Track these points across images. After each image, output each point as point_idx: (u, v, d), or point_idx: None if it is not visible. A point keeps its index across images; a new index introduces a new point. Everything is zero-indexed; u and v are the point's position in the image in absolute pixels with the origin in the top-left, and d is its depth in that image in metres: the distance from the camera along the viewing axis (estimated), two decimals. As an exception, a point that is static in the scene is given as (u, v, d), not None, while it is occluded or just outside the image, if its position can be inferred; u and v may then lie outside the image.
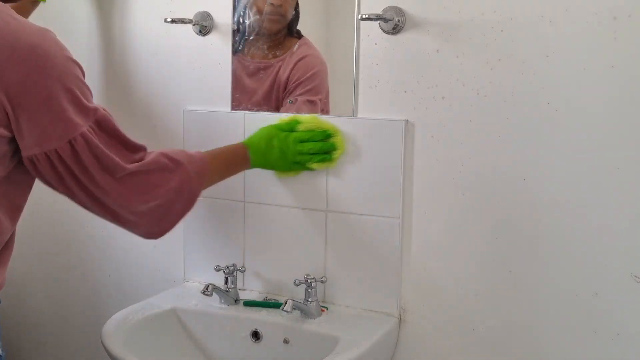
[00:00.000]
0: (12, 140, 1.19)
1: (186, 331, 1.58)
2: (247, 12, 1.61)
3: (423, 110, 1.43)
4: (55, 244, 1.96)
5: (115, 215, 1.28)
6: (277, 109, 1.61)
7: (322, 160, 1.51)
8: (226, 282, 1.59)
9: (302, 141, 1.49)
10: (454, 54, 1.38)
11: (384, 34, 1.44)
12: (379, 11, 1.42)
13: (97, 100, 1.27)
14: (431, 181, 1.44)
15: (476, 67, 1.36)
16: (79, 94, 1.20)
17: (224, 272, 1.59)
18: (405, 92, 1.44)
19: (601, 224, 1.30)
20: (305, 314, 1.49)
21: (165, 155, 1.31)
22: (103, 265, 1.91)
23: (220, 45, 1.64)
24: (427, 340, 1.48)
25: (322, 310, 1.52)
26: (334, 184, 1.53)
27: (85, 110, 1.21)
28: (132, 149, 1.28)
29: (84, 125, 1.20)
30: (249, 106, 1.63)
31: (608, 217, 1.29)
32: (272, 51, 1.61)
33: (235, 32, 1.62)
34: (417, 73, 1.42)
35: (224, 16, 1.63)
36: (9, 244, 1.30)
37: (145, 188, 1.27)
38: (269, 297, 1.61)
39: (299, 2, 1.57)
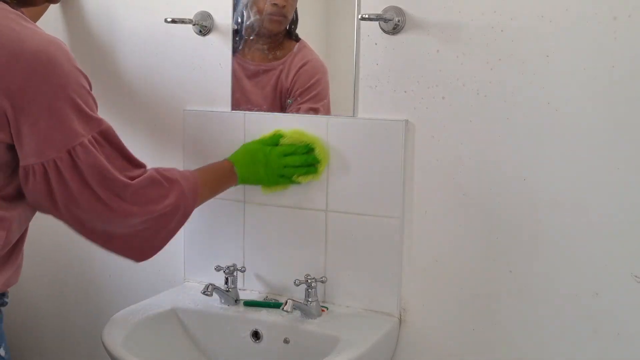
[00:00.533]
0: (13, 148, 1.19)
1: (186, 331, 1.58)
2: (246, 12, 1.61)
3: (423, 110, 1.43)
4: (56, 244, 1.96)
5: (107, 235, 1.29)
6: (278, 106, 1.61)
7: (307, 173, 1.51)
8: (226, 282, 1.59)
9: (286, 154, 1.50)
10: (454, 54, 1.38)
11: (384, 34, 1.44)
12: (379, 11, 1.42)
13: (97, 100, 1.27)
14: (431, 181, 1.44)
15: (476, 67, 1.36)
16: (82, 103, 1.19)
17: (224, 272, 1.59)
18: (405, 92, 1.44)
19: (601, 224, 1.30)
20: (306, 314, 1.49)
21: (160, 173, 1.32)
22: (103, 265, 1.91)
23: (220, 46, 1.64)
24: (427, 340, 1.48)
25: (322, 310, 1.52)
26: (334, 184, 1.53)
27: (89, 119, 1.20)
28: (135, 164, 1.28)
29: (85, 136, 1.19)
30: (249, 106, 1.63)
31: (608, 217, 1.29)
32: (271, 52, 1.61)
33: (235, 33, 1.62)
34: (417, 73, 1.42)
35: (224, 16, 1.63)
36: (19, 243, 1.30)
37: (145, 202, 1.27)
38: (269, 297, 1.61)
39: (298, 5, 1.57)
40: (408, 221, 1.47)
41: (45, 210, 1.25)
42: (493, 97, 1.36)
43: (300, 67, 1.59)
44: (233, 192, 1.64)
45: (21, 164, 1.19)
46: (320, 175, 1.52)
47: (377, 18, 1.40)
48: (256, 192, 1.62)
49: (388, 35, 1.44)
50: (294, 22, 1.59)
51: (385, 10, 1.42)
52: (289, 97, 1.59)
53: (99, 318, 1.74)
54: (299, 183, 1.53)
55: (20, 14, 1.21)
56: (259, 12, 1.60)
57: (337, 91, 1.54)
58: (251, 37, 1.62)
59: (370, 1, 1.44)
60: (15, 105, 1.13)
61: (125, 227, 1.29)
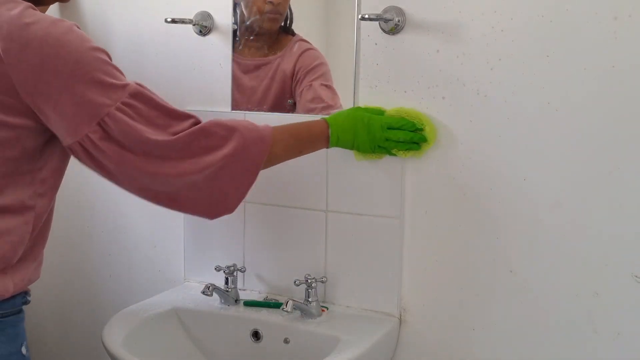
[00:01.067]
0: (40, 133, 1.20)
1: (186, 331, 1.58)
2: (239, 12, 1.61)
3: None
4: (56, 244, 1.95)
5: (170, 197, 1.23)
6: (277, 105, 1.60)
7: (409, 149, 1.41)
8: (226, 282, 1.59)
9: (390, 128, 1.40)
10: (454, 54, 1.38)
11: (384, 34, 1.44)
12: (379, 11, 1.42)
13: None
14: (431, 181, 1.44)
15: (476, 67, 1.36)
16: (102, 75, 1.18)
17: (224, 272, 1.59)
18: (405, 92, 1.44)
19: (601, 224, 1.30)
20: (306, 314, 1.49)
21: (217, 123, 1.24)
22: (103, 265, 1.91)
23: (220, 45, 1.64)
24: (427, 340, 1.48)
25: (322, 310, 1.52)
26: (334, 184, 1.53)
27: (114, 88, 1.19)
28: (178, 117, 1.24)
29: (112, 105, 1.18)
30: (249, 105, 1.63)
31: (608, 217, 1.29)
32: (269, 48, 1.62)
33: (235, 32, 1.62)
34: (417, 73, 1.42)
35: (224, 16, 1.63)
36: (40, 239, 1.31)
37: (194, 155, 1.21)
38: (269, 297, 1.61)
39: (297, 4, 1.58)
40: (408, 221, 1.47)
41: (113, 182, 1.24)
42: (493, 97, 1.36)
43: (302, 53, 1.59)
44: (233, 192, 1.64)
45: (64, 144, 1.20)
46: (422, 153, 1.43)
47: (377, 18, 1.40)
48: (257, 192, 1.62)
49: (388, 35, 1.44)
50: (289, 18, 1.60)
51: (385, 10, 1.42)
52: (292, 81, 1.59)
53: (99, 318, 1.74)
54: (397, 156, 1.43)
55: (29, 4, 1.22)
56: (259, 12, 1.60)
57: (337, 91, 1.54)
58: (251, 38, 1.62)
59: (370, 1, 1.44)
60: (34, 91, 1.16)
61: (185, 186, 1.22)
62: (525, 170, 1.35)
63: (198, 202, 1.26)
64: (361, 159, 1.47)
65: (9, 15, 1.18)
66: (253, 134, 1.26)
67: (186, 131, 1.22)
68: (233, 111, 1.64)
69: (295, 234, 1.58)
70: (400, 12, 1.41)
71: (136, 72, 1.76)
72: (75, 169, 1.35)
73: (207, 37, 1.65)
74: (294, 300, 1.44)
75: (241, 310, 1.57)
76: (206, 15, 1.64)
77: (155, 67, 1.73)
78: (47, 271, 2.00)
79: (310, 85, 1.55)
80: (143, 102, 1.22)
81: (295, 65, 1.58)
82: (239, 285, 1.63)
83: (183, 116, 1.25)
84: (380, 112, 1.43)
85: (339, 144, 1.40)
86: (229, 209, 1.28)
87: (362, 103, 1.48)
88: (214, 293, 1.55)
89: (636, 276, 1.28)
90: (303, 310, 1.49)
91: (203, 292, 1.54)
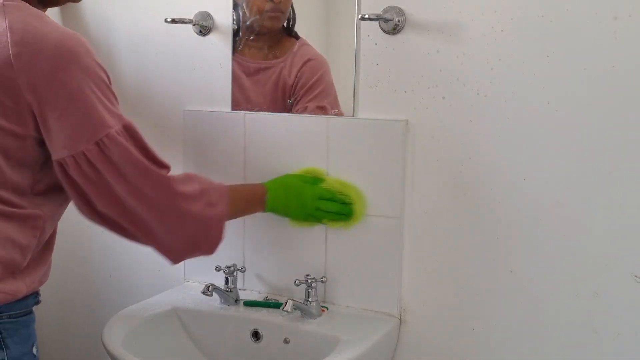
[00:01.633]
0: (42, 144, 1.21)
1: (186, 331, 1.58)
2: (245, 11, 1.61)
3: (423, 110, 1.42)
4: (56, 244, 1.95)
5: (144, 231, 1.27)
6: (277, 106, 1.60)
7: (337, 220, 1.50)
8: (226, 282, 1.59)
9: (321, 198, 1.48)
10: (454, 54, 1.38)
11: (384, 34, 1.44)
12: (379, 11, 1.42)
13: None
14: (431, 181, 1.44)
15: (476, 67, 1.36)
16: (103, 97, 1.21)
17: (224, 272, 1.59)
18: (405, 92, 1.44)
19: (601, 224, 1.30)
20: (306, 314, 1.49)
21: (193, 176, 1.33)
22: (104, 265, 1.91)
23: (220, 46, 1.64)
24: (427, 340, 1.48)
25: (322, 310, 1.52)
26: (334, 184, 1.53)
27: (112, 113, 1.22)
28: (159, 164, 1.28)
29: (113, 127, 1.20)
30: (248, 106, 1.63)
31: (608, 217, 1.29)
32: (271, 51, 1.61)
33: (235, 32, 1.62)
34: (417, 73, 1.42)
35: (224, 16, 1.63)
36: (50, 242, 1.33)
37: (182, 197, 1.27)
38: (269, 297, 1.61)
39: (297, 5, 1.57)
40: (408, 221, 1.47)
41: (80, 204, 1.25)
42: (493, 97, 1.36)
43: (304, 64, 1.58)
44: (233, 192, 1.64)
45: (54, 157, 1.21)
46: (351, 227, 1.50)
47: (377, 18, 1.40)
48: (256, 192, 1.62)
49: (388, 35, 1.44)
50: (292, 19, 1.59)
51: (385, 10, 1.42)
52: (292, 94, 1.59)
53: (99, 318, 1.73)
54: (326, 225, 1.52)
55: (41, 12, 1.24)
56: (259, 11, 1.60)
57: (337, 91, 1.54)
58: (251, 38, 1.62)
59: (370, 1, 1.44)
60: (40, 99, 1.16)
61: (162, 224, 1.27)
62: (525, 170, 1.35)
63: (166, 245, 1.31)
64: (295, 225, 1.53)
65: (23, 20, 1.19)
66: (216, 194, 1.34)
67: (177, 175, 1.29)
68: (233, 111, 1.63)
69: (295, 234, 1.58)
70: (400, 12, 1.41)
71: (136, 72, 1.76)
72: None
73: (207, 37, 1.65)
74: (294, 300, 1.44)
75: (241, 310, 1.57)
76: (206, 15, 1.64)
77: (155, 67, 1.73)
78: (47, 271, 2.00)
79: (306, 108, 1.56)
80: (133, 138, 1.25)
81: (296, 78, 1.58)
82: (239, 285, 1.63)
83: (163, 163, 1.29)
84: (318, 181, 1.50)
85: (273, 210, 1.49)
86: (182, 256, 1.36)
87: (362, 103, 1.48)
88: (214, 293, 1.55)
89: (636, 276, 1.28)
90: (303, 310, 1.49)
91: (203, 292, 1.54)
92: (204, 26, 1.64)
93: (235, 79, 1.63)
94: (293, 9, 1.58)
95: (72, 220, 1.92)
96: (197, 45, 1.66)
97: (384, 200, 1.47)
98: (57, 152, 1.20)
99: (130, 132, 1.24)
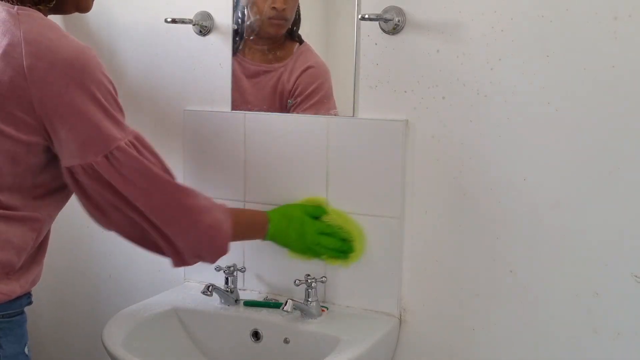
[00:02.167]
0: (47, 150, 1.23)
1: (186, 331, 1.58)
2: (246, 12, 1.61)
3: (423, 110, 1.43)
4: (56, 244, 1.95)
5: (155, 228, 1.28)
6: (277, 108, 1.60)
7: (337, 257, 1.51)
8: (226, 282, 1.59)
9: (323, 233, 1.49)
10: (454, 54, 1.38)
11: (384, 34, 1.44)
12: (379, 11, 1.42)
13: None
14: (431, 181, 1.44)
15: (476, 67, 1.36)
16: (111, 109, 1.23)
17: (224, 272, 1.59)
18: (405, 92, 1.44)
19: (601, 224, 1.30)
20: (306, 314, 1.49)
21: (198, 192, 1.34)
22: (103, 265, 1.91)
23: (220, 46, 1.64)
24: (427, 340, 1.48)
25: (322, 310, 1.52)
26: (334, 184, 1.53)
27: (121, 125, 1.24)
28: (167, 171, 1.30)
29: (122, 139, 1.23)
30: (248, 106, 1.62)
31: (608, 217, 1.29)
32: (272, 53, 1.61)
33: (235, 33, 1.62)
34: (417, 73, 1.42)
35: (224, 16, 1.63)
36: (44, 243, 1.34)
37: (194, 208, 1.30)
38: (269, 297, 1.61)
39: (300, 6, 1.56)
40: (408, 221, 1.47)
41: (93, 209, 1.27)
42: (493, 97, 1.36)
43: (303, 71, 1.57)
44: (233, 192, 1.64)
45: (63, 164, 1.23)
46: (349, 264, 1.51)
47: (377, 18, 1.40)
48: (256, 192, 1.62)
49: (388, 35, 1.44)
50: (296, 22, 1.58)
51: (385, 10, 1.42)
52: (290, 99, 1.59)
53: (99, 318, 1.74)
54: (324, 261, 1.53)
55: (54, 23, 1.25)
56: (259, 12, 1.60)
57: (337, 91, 1.54)
58: (251, 38, 1.61)
59: (370, 1, 1.44)
60: (51, 112, 1.18)
61: (171, 227, 1.28)
62: (525, 170, 1.35)
63: (170, 249, 1.32)
64: (293, 257, 1.54)
65: (38, 31, 1.19)
66: (221, 214, 1.35)
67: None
68: (233, 111, 1.63)
69: (295, 234, 1.58)
70: (400, 12, 1.41)
71: (136, 72, 1.76)
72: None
73: (207, 37, 1.65)
74: (294, 300, 1.44)
75: (241, 310, 1.57)
76: (206, 15, 1.64)
77: (155, 67, 1.73)
78: (47, 271, 1.99)
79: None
80: (144, 146, 1.27)
81: (294, 84, 1.57)
82: (239, 285, 1.63)
83: (170, 172, 1.31)
84: (320, 211, 1.51)
85: (274, 240, 1.50)
86: (212, 252, 1.37)
87: (362, 103, 1.48)
88: (214, 293, 1.55)
89: (636, 276, 1.28)
90: (303, 310, 1.49)
91: (203, 292, 1.54)
92: (204, 26, 1.64)
93: (235, 78, 1.63)
94: (299, 13, 1.57)
95: (72, 220, 1.92)
96: (197, 45, 1.66)
97: (384, 200, 1.47)
98: (67, 159, 1.22)
99: (140, 142, 1.26)
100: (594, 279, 1.32)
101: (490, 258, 1.40)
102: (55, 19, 1.84)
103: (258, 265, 1.64)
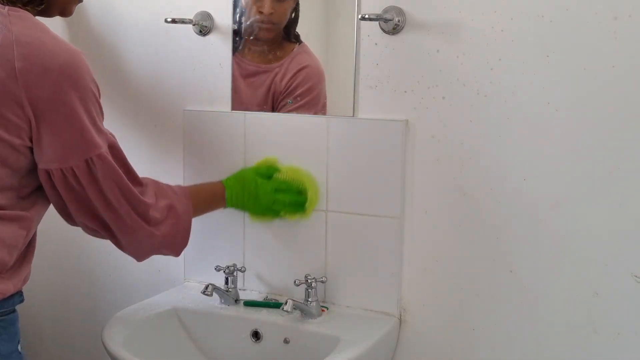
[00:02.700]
0: (33, 151, 1.24)
1: (186, 331, 1.58)
2: (245, 12, 1.61)
3: (423, 110, 1.43)
4: (56, 244, 1.96)
5: (115, 237, 1.35)
6: (274, 109, 1.60)
7: (295, 211, 1.54)
8: (226, 282, 1.59)
9: (277, 190, 1.52)
10: (454, 54, 1.38)
11: (384, 34, 1.44)
12: (379, 11, 1.42)
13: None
14: (431, 181, 1.44)
15: (476, 67, 1.36)
16: (95, 116, 1.25)
17: (224, 272, 1.59)
18: (405, 92, 1.44)
19: (601, 224, 1.30)
20: (306, 314, 1.49)
21: (159, 188, 1.39)
22: (103, 265, 1.91)
23: (220, 46, 1.64)
24: (427, 340, 1.48)
25: (322, 310, 1.52)
26: (334, 184, 1.53)
27: (101, 132, 1.26)
28: (136, 181, 1.33)
29: (102, 147, 1.25)
30: (248, 106, 1.62)
31: (608, 217, 1.29)
32: (272, 54, 1.61)
33: (235, 33, 1.62)
34: (417, 73, 1.42)
35: (224, 16, 1.63)
36: (33, 241, 1.35)
37: (153, 222, 1.34)
38: (269, 297, 1.61)
39: (300, 6, 1.56)
40: (408, 221, 1.47)
41: (61, 210, 1.32)
42: (493, 97, 1.36)
43: (296, 73, 1.58)
44: (233, 192, 1.64)
45: (40, 166, 1.24)
46: (309, 215, 1.53)
47: (377, 18, 1.40)
48: (256, 192, 1.62)
49: (388, 35, 1.44)
50: (293, 22, 1.58)
51: (385, 10, 1.42)
52: (289, 99, 1.59)
53: (99, 318, 1.74)
54: (285, 218, 1.55)
55: (44, 25, 1.25)
56: (259, 12, 1.60)
57: (337, 91, 1.54)
58: (251, 38, 1.61)
59: (370, 1, 1.44)
60: (39, 114, 1.19)
61: (130, 239, 1.35)
62: (525, 170, 1.35)
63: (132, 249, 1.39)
64: (255, 220, 1.58)
65: (30, 34, 1.20)
66: (183, 207, 1.41)
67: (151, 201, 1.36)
68: (233, 111, 1.63)
69: (295, 234, 1.58)
70: (400, 12, 1.41)
71: (136, 72, 1.76)
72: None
73: (207, 37, 1.65)
74: (294, 300, 1.44)
75: (241, 310, 1.57)
76: (206, 15, 1.64)
77: (155, 67, 1.73)
78: (47, 271, 2.01)
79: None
80: (117, 155, 1.30)
81: (286, 85, 1.58)
82: (239, 285, 1.63)
83: (139, 181, 1.34)
84: (273, 171, 1.55)
85: (233, 206, 1.54)
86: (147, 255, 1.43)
87: (362, 103, 1.48)
88: (214, 293, 1.55)
89: (636, 276, 1.28)
90: (303, 310, 1.49)
91: (203, 292, 1.54)
92: (204, 26, 1.64)
93: (233, 78, 1.63)
94: (297, 12, 1.57)
95: (72, 220, 1.92)
96: (197, 45, 1.66)
97: (384, 200, 1.47)
98: (46, 162, 1.23)
99: (114, 150, 1.28)
100: (594, 279, 1.32)
101: (490, 258, 1.40)
102: (57, 18, 1.84)
103: (258, 265, 1.64)
